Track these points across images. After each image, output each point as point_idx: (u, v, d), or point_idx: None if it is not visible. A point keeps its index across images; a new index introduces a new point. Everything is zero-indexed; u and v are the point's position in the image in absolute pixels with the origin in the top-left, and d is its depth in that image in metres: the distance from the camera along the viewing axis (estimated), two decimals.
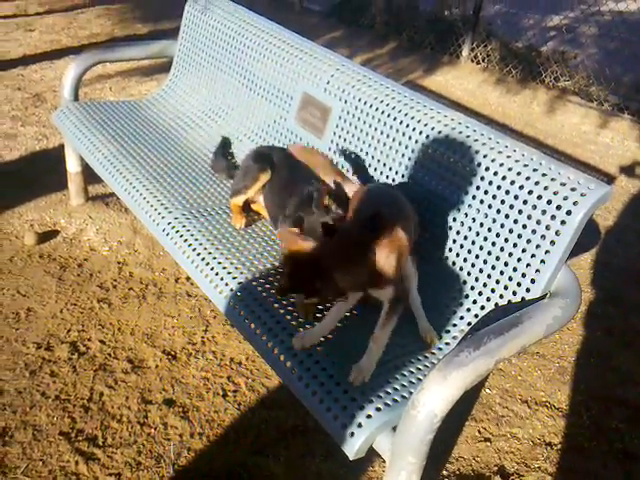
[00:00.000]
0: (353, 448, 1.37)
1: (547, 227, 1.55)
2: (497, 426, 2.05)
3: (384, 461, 1.39)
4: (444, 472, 1.87)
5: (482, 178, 1.71)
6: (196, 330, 2.33)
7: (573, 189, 1.53)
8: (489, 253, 1.69)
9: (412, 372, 1.55)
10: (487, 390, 2.19)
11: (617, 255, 3.09)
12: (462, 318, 1.72)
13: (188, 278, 2.58)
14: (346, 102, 2.13)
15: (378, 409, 1.41)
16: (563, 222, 1.53)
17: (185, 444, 1.87)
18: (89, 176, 2.93)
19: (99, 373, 2.10)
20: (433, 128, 1.85)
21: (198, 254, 1.88)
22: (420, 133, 1.89)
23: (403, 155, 1.94)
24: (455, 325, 1.71)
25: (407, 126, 1.93)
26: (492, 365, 1.34)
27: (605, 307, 2.69)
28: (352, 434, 1.38)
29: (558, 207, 1.53)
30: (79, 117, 2.64)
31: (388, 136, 1.99)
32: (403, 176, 1.94)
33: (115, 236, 2.80)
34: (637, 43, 5.77)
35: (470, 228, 1.74)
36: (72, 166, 2.89)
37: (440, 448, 1.94)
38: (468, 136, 1.77)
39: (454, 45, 5.73)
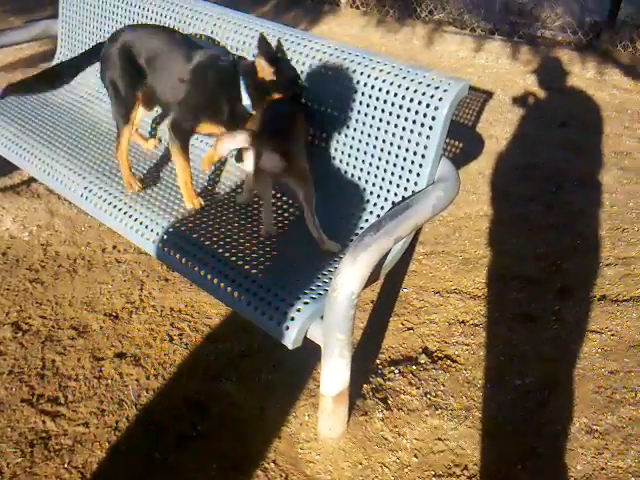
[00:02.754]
0: (290, 339, 1.58)
1: (421, 124, 1.79)
2: (416, 316, 2.32)
3: None
4: (377, 361, 2.13)
5: (362, 93, 1.92)
6: (132, 290, 2.45)
7: (436, 87, 1.77)
8: (379, 159, 1.92)
9: (335, 270, 1.77)
10: (404, 289, 2.46)
11: (501, 159, 3.43)
12: (367, 220, 1.95)
13: (114, 246, 2.68)
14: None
15: (306, 303, 1.63)
16: (433, 118, 1.77)
17: (143, 386, 2.03)
18: None
19: (47, 344, 2.19)
20: (314, 57, 2.04)
21: (120, 209, 2.01)
22: (303, 64, 2.08)
23: None
24: (362, 228, 1.94)
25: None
26: (392, 243, 1.57)
27: (494, 203, 3.02)
28: (287, 327, 1.59)
29: (427, 105, 1.77)
30: None
31: None
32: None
33: (33, 221, 2.84)
34: None
35: (360, 140, 1.96)
36: None
37: (370, 344, 2.20)
38: (345, 59, 1.98)
39: None
